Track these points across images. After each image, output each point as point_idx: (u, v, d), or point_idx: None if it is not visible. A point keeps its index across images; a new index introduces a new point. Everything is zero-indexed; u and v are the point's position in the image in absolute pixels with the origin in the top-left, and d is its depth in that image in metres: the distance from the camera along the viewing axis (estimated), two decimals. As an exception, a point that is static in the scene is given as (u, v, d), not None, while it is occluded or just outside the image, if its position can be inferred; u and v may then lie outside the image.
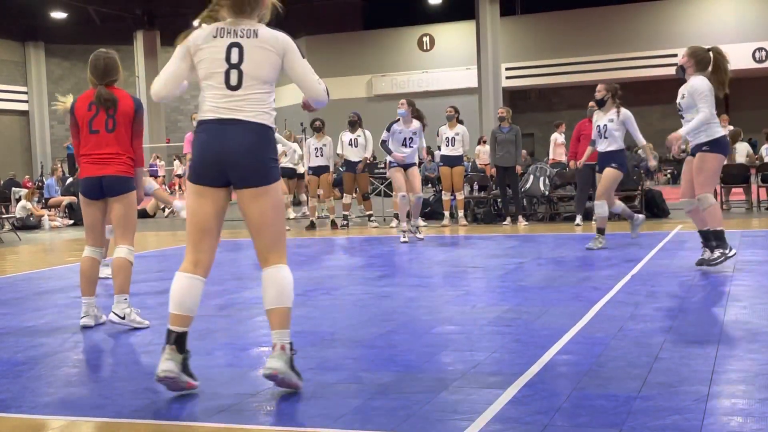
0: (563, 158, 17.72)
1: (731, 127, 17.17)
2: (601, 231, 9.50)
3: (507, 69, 34.98)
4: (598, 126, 9.63)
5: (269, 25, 4.17)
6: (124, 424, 3.66)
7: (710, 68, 7.36)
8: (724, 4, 33.58)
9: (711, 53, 7.42)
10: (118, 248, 5.89)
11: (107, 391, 4.20)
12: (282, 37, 4.01)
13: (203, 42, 3.97)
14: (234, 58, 3.92)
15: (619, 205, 9.73)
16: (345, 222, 14.25)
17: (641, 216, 9.98)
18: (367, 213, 14.64)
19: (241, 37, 3.94)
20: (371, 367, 4.43)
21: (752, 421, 3.31)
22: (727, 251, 7.23)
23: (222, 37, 3.96)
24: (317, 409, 3.70)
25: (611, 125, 9.48)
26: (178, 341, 3.96)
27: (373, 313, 6.03)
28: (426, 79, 37.01)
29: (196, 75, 4.02)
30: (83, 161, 5.88)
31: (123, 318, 5.80)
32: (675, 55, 33.76)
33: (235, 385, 4.17)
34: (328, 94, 4.18)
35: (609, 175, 9.43)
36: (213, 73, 3.93)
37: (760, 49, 32.95)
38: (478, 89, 32.39)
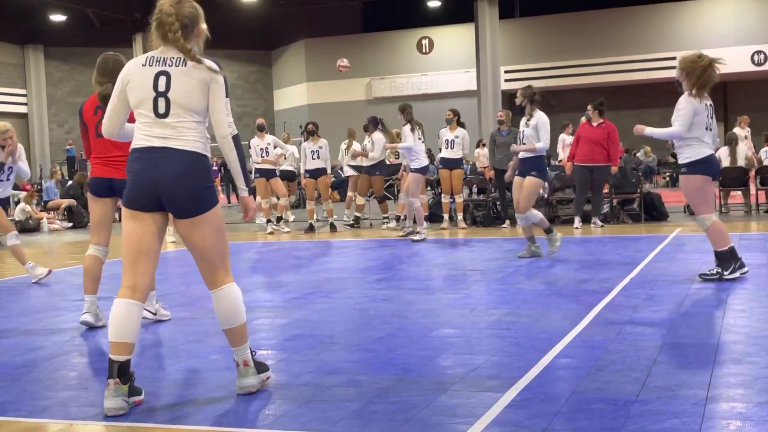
0: None
1: (749, 129, 17.09)
2: (531, 239, 9.21)
3: (506, 72, 34.98)
4: (520, 132, 9.40)
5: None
6: (123, 428, 3.66)
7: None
8: (723, 8, 33.61)
9: (701, 61, 7.35)
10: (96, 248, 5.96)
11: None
12: (210, 71, 3.95)
13: (134, 71, 3.98)
14: (161, 86, 3.90)
15: (537, 215, 9.21)
16: (356, 223, 14.55)
17: (559, 234, 9.34)
18: (384, 215, 14.68)
19: (170, 65, 3.92)
20: (370, 370, 4.43)
21: (751, 425, 3.31)
22: (725, 273, 7.00)
23: (151, 66, 3.95)
24: (315, 413, 3.70)
25: (527, 131, 9.16)
26: (121, 372, 3.83)
27: (371, 317, 6.03)
28: (425, 81, 37.02)
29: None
30: (94, 162, 5.95)
31: (155, 314, 6.04)
32: (674, 58, 33.75)
33: (232, 388, 4.16)
34: (234, 139, 4.02)
35: (529, 184, 9.05)
36: (142, 101, 3.92)
37: (758, 52, 32.97)
38: (477, 92, 32.40)
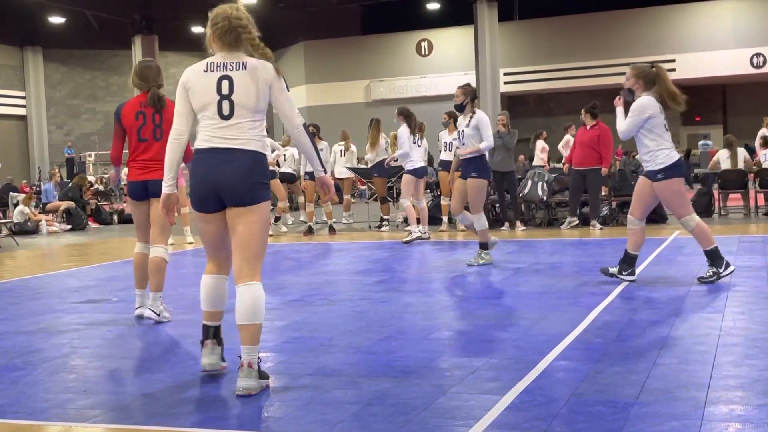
0: None
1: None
2: (483, 246, 8.95)
3: (505, 74, 34.99)
4: (459, 132, 9.26)
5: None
6: (122, 430, 3.65)
7: (656, 86, 7.26)
8: (722, 10, 33.63)
9: (654, 69, 7.37)
10: (154, 248, 6.18)
11: (105, 396, 4.19)
12: (270, 71, 4.21)
13: (195, 77, 4.24)
14: (225, 90, 4.15)
15: (481, 223, 8.99)
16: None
17: (490, 256, 9.01)
18: (385, 217, 14.66)
19: (231, 70, 4.18)
20: (369, 372, 4.43)
21: (750, 427, 3.31)
22: (721, 270, 7.04)
23: (213, 71, 4.20)
24: (315, 415, 3.70)
25: (467, 131, 9.01)
26: (216, 335, 4.40)
27: (371, 319, 6.02)
28: (424, 84, 37.03)
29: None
30: (130, 165, 6.25)
31: (158, 315, 6.15)
32: (674, 61, 33.86)
33: (231, 391, 4.16)
34: (305, 127, 4.34)
35: (472, 185, 8.85)
36: (207, 104, 4.17)
37: (758, 54, 33.00)
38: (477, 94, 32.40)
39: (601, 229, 12.58)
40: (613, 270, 7.29)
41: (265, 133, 4.28)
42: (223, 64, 4.20)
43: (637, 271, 7.89)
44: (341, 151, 15.81)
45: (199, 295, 4.37)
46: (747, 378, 4.03)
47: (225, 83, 4.15)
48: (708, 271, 7.08)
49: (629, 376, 4.11)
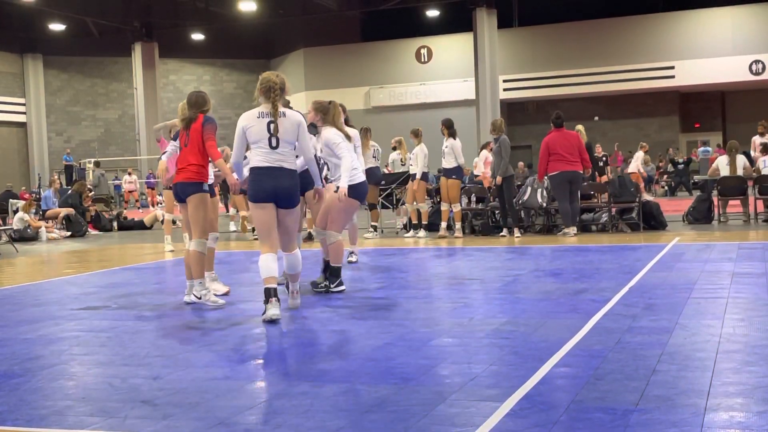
0: None
1: None
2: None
3: (504, 81, 35.04)
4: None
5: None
6: (120, 437, 3.64)
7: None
8: (721, 17, 33.69)
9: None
10: (190, 242, 7.31)
11: (104, 404, 4.19)
12: (299, 118, 6.58)
13: (251, 122, 6.46)
14: (272, 130, 6.41)
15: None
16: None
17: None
18: (372, 223, 14.70)
19: (275, 117, 6.42)
20: (369, 379, 4.42)
21: (750, 434, 3.31)
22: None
23: (263, 118, 6.44)
24: (314, 422, 3.69)
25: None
26: (275, 293, 6.30)
27: (370, 325, 6.02)
28: (423, 90, 37.07)
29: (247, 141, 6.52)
30: (176, 171, 7.41)
31: (200, 299, 7.20)
32: (672, 68, 33.92)
33: (232, 398, 4.16)
34: (316, 158, 7.09)
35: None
36: (260, 139, 6.42)
37: (757, 61, 33.05)
38: (476, 101, 32.44)
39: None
40: None
41: (295, 157, 6.59)
42: (269, 113, 6.42)
43: (637, 277, 7.90)
44: None
45: (197, 303, 4.62)
46: (747, 385, 4.03)
47: (272, 126, 6.38)
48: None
49: (629, 383, 4.11)
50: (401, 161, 15.74)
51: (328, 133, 7.73)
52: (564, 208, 12.97)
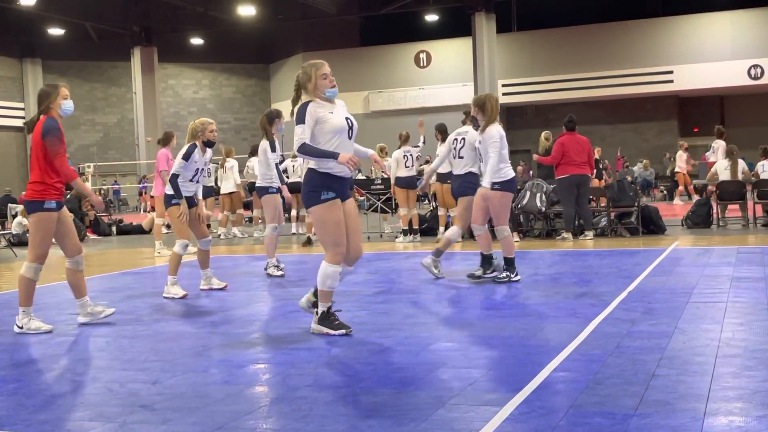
0: None
1: None
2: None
3: (503, 85, 35.08)
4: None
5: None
6: (119, 442, 3.64)
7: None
8: (719, 22, 33.75)
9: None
10: (23, 265, 6.60)
11: (102, 408, 4.18)
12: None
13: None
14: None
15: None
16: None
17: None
18: None
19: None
20: (368, 384, 4.42)
21: (750, 438, 3.31)
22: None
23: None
24: (313, 426, 3.69)
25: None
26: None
27: (369, 330, 6.02)
28: (422, 95, 37.11)
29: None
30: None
31: (21, 328, 6.46)
32: (671, 72, 33.96)
33: (231, 402, 4.16)
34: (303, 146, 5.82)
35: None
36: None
37: (755, 66, 33.10)
38: (475, 105, 32.42)
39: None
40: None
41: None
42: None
43: (636, 281, 7.90)
44: None
45: (196, 309, 4.41)
46: (746, 389, 4.03)
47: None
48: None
49: (628, 388, 4.11)
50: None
51: (493, 129, 8.20)
52: (568, 212, 12.99)
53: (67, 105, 6.44)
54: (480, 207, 8.39)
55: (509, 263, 8.39)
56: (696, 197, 15.35)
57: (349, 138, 5.82)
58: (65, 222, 6.62)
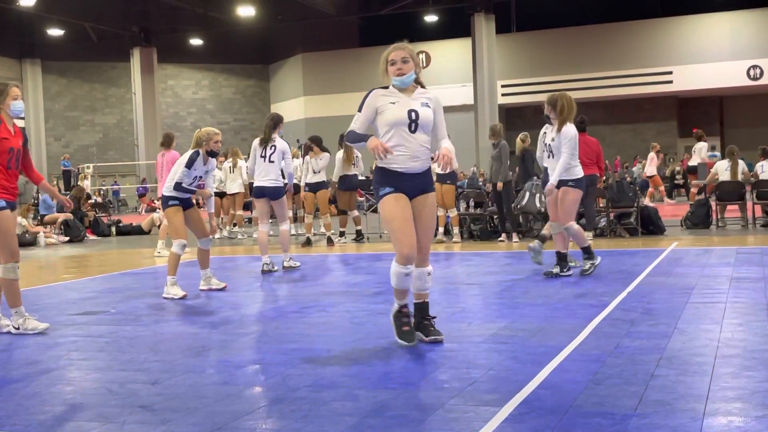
0: None
1: None
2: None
3: (503, 86, 35.09)
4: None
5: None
6: (118, 443, 3.64)
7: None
8: (719, 23, 33.77)
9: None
10: None
11: (102, 409, 4.18)
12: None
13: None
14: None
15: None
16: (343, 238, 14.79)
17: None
18: (341, 229, 14.91)
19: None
20: (367, 384, 4.42)
21: (749, 439, 3.31)
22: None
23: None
24: (313, 427, 3.69)
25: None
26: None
27: (369, 330, 6.02)
28: (422, 96, 37.04)
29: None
30: None
31: (18, 329, 6.38)
32: (670, 73, 33.97)
33: (230, 403, 4.16)
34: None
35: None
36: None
37: (754, 66, 33.12)
38: (474, 106, 32.48)
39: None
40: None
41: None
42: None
43: (635, 282, 7.91)
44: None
45: (195, 309, 4.42)
46: (745, 389, 4.03)
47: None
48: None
49: (628, 388, 4.11)
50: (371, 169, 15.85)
51: (569, 128, 8.54)
52: None
53: (16, 105, 6.37)
54: (554, 204, 8.70)
55: (587, 251, 8.69)
56: (698, 197, 15.37)
57: (412, 131, 5.32)
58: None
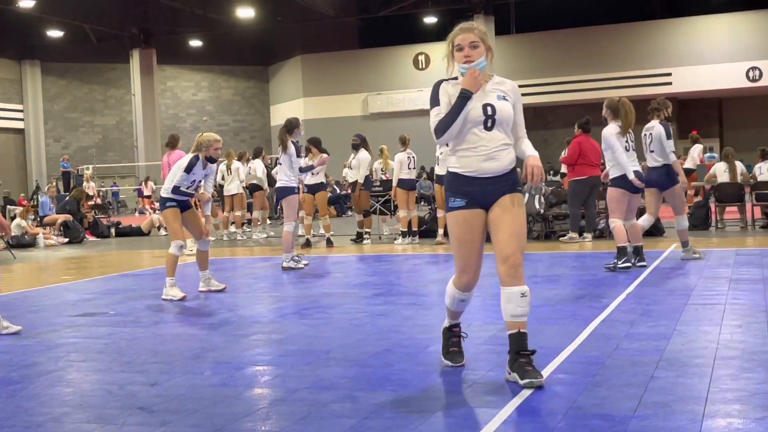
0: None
1: None
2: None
3: (502, 88, 35.00)
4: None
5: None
6: (118, 444, 3.64)
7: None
8: (718, 24, 33.77)
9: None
10: None
11: (101, 410, 4.18)
12: None
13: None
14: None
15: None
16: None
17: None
18: (366, 230, 14.75)
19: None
20: (366, 386, 4.42)
21: (748, 440, 3.31)
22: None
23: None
24: (312, 428, 3.69)
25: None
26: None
27: (368, 332, 6.02)
28: (422, 97, 37.01)
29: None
30: None
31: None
32: (670, 74, 33.97)
33: (230, 404, 4.16)
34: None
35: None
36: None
37: (753, 68, 33.11)
38: (474, 107, 32.43)
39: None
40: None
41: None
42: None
43: (634, 283, 7.91)
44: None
45: (195, 311, 4.37)
46: (745, 391, 4.03)
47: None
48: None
49: (627, 390, 4.11)
50: (382, 170, 15.76)
51: (608, 129, 9.34)
52: (576, 213, 13.01)
53: None
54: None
55: (621, 251, 8.92)
56: (695, 200, 15.39)
57: (487, 128, 4.51)
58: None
